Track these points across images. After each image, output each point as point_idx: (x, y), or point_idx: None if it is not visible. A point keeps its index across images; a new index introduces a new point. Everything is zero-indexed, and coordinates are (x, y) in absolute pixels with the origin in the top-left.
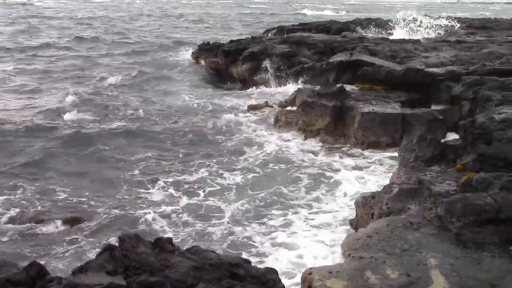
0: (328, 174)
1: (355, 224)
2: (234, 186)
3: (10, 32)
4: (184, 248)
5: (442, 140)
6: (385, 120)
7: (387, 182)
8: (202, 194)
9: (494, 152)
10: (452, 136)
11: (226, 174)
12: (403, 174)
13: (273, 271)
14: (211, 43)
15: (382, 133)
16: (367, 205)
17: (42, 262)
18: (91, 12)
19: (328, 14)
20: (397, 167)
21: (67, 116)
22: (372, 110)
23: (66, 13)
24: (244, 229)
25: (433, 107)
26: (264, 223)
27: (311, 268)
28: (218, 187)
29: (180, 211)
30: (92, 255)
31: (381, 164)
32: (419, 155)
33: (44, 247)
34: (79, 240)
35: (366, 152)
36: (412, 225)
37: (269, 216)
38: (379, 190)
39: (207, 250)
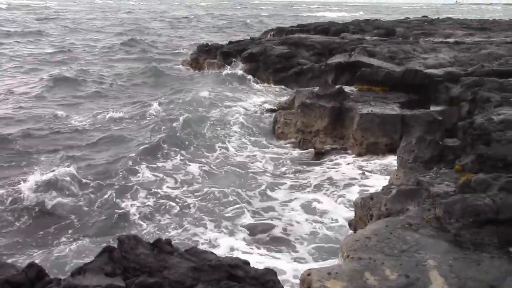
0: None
1: (353, 225)
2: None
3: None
4: (183, 249)
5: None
6: (384, 121)
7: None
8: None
9: (493, 153)
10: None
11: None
12: (402, 175)
13: (272, 272)
14: (209, 44)
15: (381, 134)
16: (366, 206)
17: (41, 264)
18: (95, 14)
19: (352, 15)
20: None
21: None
22: (371, 111)
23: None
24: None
25: (432, 108)
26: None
27: (309, 269)
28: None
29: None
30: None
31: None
32: (418, 156)
33: (43, 248)
34: (78, 240)
35: (345, 166)
36: (411, 226)
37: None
38: (377, 191)
39: (206, 251)
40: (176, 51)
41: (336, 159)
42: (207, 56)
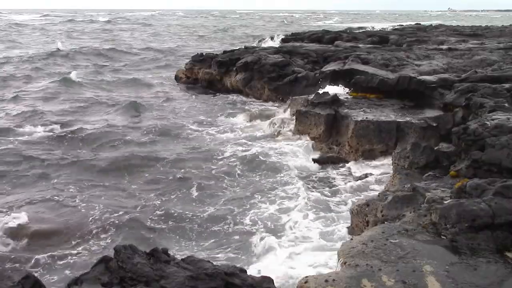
0: None
1: (350, 232)
2: None
3: None
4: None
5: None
6: (379, 128)
7: None
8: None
9: (488, 158)
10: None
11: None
12: (398, 181)
13: (269, 280)
14: (204, 54)
15: (376, 141)
16: (362, 213)
17: (37, 275)
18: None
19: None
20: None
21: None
22: (366, 118)
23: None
24: None
25: (426, 115)
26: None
27: (307, 277)
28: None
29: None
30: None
31: None
32: (413, 162)
33: (40, 259)
34: (74, 251)
35: None
36: (407, 232)
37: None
38: (373, 197)
39: (203, 260)
40: None
41: None
42: (202, 65)
